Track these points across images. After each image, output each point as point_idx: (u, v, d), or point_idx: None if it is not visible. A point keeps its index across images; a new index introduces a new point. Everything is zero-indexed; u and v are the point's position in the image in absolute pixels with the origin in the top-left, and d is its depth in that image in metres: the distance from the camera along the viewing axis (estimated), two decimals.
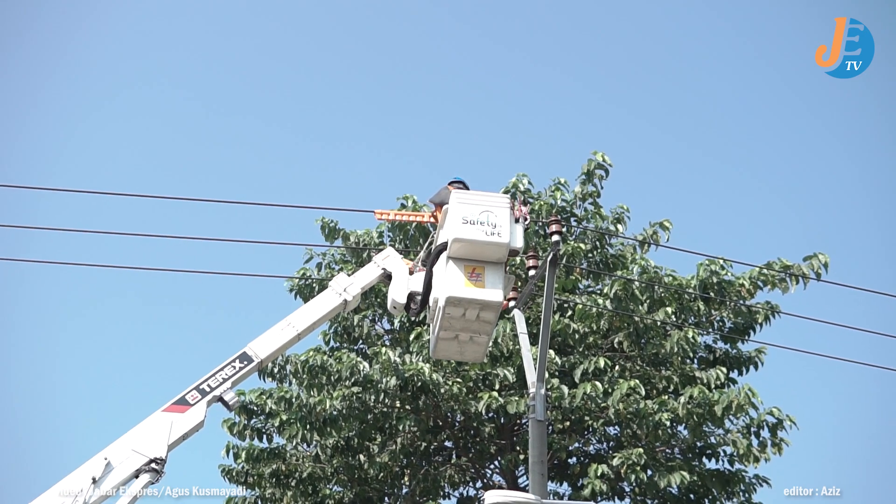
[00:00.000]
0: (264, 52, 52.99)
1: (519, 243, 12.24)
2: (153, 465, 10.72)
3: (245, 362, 11.57)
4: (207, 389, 11.27)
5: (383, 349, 19.20)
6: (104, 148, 48.66)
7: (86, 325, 46.41)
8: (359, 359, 19.31)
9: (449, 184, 13.57)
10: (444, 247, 11.97)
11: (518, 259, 15.40)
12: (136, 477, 10.69)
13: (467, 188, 13.48)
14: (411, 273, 12.83)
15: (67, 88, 45.77)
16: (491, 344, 14.83)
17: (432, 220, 13.92)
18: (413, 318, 18.31)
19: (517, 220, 12.19)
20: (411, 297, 12.49)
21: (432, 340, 12.79)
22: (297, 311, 12.16)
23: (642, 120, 53.41)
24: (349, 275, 12.86)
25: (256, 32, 51.76)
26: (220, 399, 11.30)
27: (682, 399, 18.65)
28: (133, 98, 49.24)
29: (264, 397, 20.23)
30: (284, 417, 19.94)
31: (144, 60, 49.88)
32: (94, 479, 10.44)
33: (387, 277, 12.66)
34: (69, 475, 10.52)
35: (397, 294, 12.42)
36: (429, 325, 14.01)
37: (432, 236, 13.23)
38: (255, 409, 20.65)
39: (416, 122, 54.61)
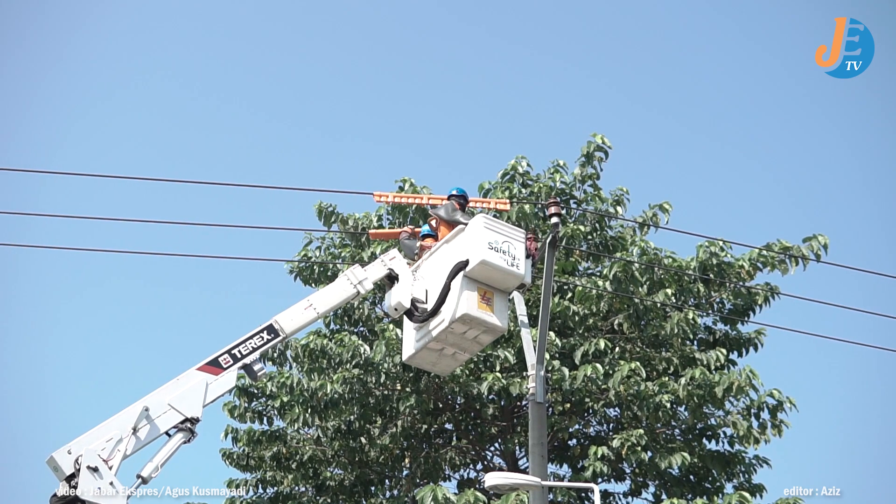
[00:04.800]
0: (262, 45, 53.02)
1: (529, 279, 12.82)
2: (188, 423, 10.88)
3: (272, 335, 11.78)
4: (238, 356, 11.44)
5: (390, 326, 19.21)
6: (107, 139, 48.81)
7: (84, 307, 46.52)
8: (360, 341, 19.32)
9: (449, 196, 13.81)
10: (464, 264, 12.13)
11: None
12: (169, 435, 10.86)
13: (467, 200, 13.71)
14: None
15: (69, 80, 45.81)
16: None
17: (430, 204, 14.11)
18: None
19: (528, 256, 12.57)
20: (413, 303, 12.61)
21: (415, 346, 12.86)
22: (317, 294, 12.36)
23: (642, 103, 53.45)
24: (363, 267, 12.96)
25: (256, 27, 51.82)
26: (247, 367, 11.45)
27: (682, 380, 18.67)
28: (136, 90, 49.38)
29: (265, 380, 20.22)
30: (286, 399, 19.96)
31: (147, 53, 50.00)
32: (134, 429, 10.52)
33: (389, 278, 12.76)
34: (111, 419, 10.59)
35: (403, 298, 12.57)
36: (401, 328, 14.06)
37: (421, 245, 13.39)
38: (256, 391, 20.66)
39: (416, 105, 54.58)
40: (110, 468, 10.22)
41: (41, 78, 43.10)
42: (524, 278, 12.59)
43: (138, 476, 10.51)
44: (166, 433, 10.87)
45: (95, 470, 10.11)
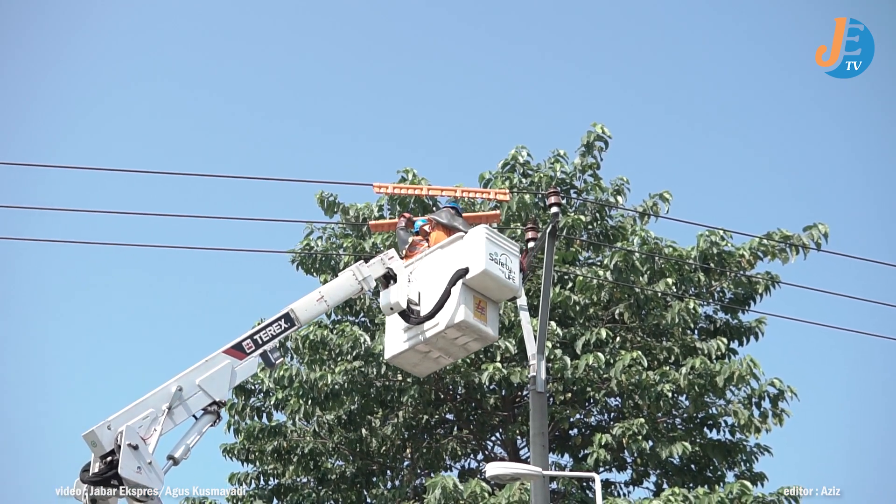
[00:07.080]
0: (263, 41, 53.05)
1: (521, 293, 13.30)
2: (215, 406, 10.95)
3: (288, 323, 11.88)
4: (260, 342, 11.52)
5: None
6: (109, 135, 48.84)
7: (85, 300, 46.59)
8: (361, 332, 19.33)
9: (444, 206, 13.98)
10: (465, 272, 12.24)
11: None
12: (196, 417, 10.90)
13: (460, 214, 13.88)
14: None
15: (69, 79, 45.84)
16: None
17: (429, 195, 14.23)
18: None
19: (520, 270, 12.80)
20: (408, 304, 12.71)
21: (401, 345, 12.90)
22: (328, 287, 12.48)
23: (643, 97, 53.46)
24: (366, 263, 13.03)
25: (256, 25, 51.86)
26: (265, 355, 11.52)
27: (683, 370, 18.69)
28: (136, 88, 49.36)
29: (262, 375, 20.20)
30: (281, 395, 19.96)
31: (147, 53, 49.92)
32: (168, 409, 10.56)
33: (385, 277, 12.85)
34: (145, 397, 10.54)
35: (400, 298, 12.65)
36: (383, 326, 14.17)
37: (413, 241, 13.48)
38: (253, 388, 20.67)
39: (417, 97, 54.58)
40: (147, 447, 10.21)
41: (42, 77, 43.12)
42: (517, 291, 12.91)
43: (169, 457, 10.52)
44: (193, 415, 10.88)
45: (136, 448, 10.06)
